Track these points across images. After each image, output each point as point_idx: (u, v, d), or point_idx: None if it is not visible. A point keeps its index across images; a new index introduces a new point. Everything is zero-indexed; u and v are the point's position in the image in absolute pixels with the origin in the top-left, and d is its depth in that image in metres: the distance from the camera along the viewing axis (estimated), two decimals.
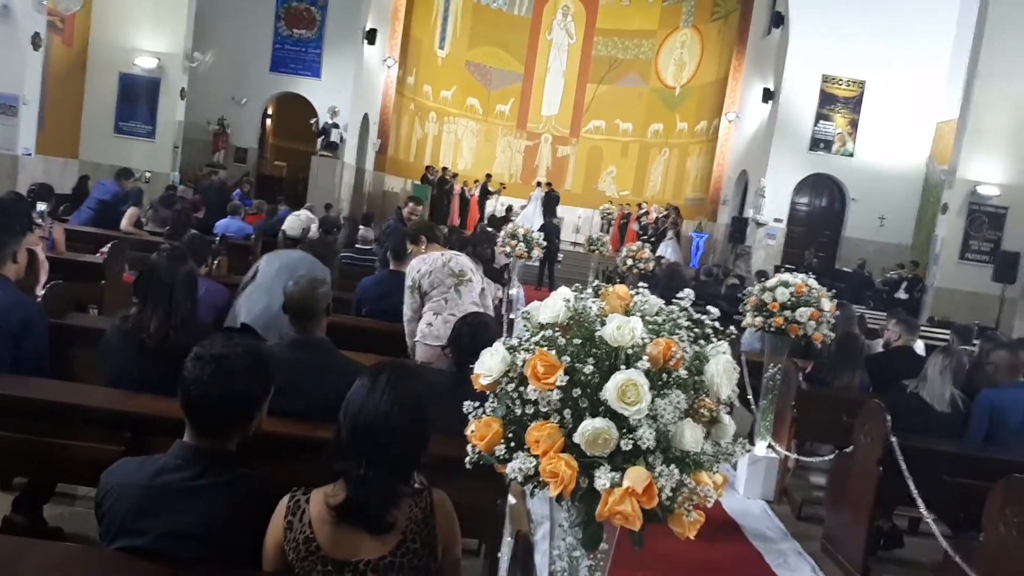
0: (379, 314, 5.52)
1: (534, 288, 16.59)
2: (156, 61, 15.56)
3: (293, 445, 2.90)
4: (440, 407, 2.14)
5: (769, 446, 5.80)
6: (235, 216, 10.08)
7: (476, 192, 23.29)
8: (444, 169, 23.05)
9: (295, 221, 11.09)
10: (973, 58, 14.44)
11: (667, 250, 19.03)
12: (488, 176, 23.80)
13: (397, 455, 2.02)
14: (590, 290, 1.91)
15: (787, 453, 5.76)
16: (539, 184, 22.67)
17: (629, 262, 13.06)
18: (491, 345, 3.42)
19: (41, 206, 6.65)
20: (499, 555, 3.02)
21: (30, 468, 3.25)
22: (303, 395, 3.04)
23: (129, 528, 2.03)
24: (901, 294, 15.03)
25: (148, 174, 13.60)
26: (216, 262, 6.40)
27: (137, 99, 15.68)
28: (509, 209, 21.66)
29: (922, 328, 8.55)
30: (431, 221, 12.89)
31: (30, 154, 12.43)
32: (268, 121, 20.88)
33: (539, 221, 19.26)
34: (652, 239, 19.82)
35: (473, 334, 3.47)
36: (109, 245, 6.70)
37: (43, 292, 4.39)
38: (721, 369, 1.71)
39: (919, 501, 4.19)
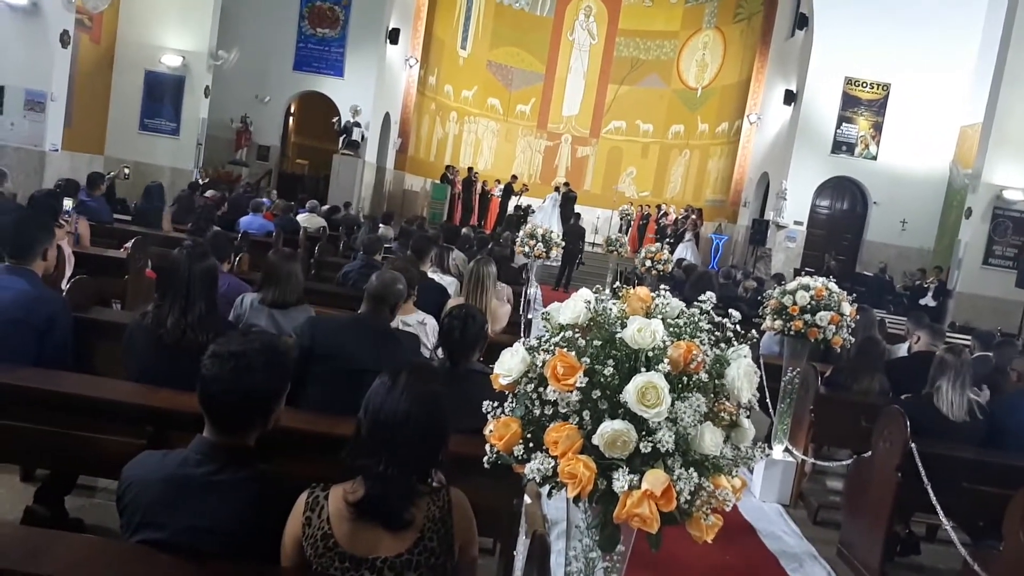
0: None
1: (551, 288, 16.61)
2: (181, 59, 15.72)
3: (313, 441, 2.92)
4: None
5: (786, 450, 5.77)
6: (257, 213, 10.15)
7: (496, 192, 23.28)
8: (470, 169, 23.04)
9: (312, 219, 11.19)
10: (1000, 61, 14.28)
11: (686, 252, 18.97)
12: (514, 177, 23.77)
13: (416, 453, 2.03)
14: (608, 291, 1.91)
15: (804, 457, 5.73)
16: (557, 188, 22.64)
17: (648, 263, 13.02)
18: (481, 335, 3.49)
19: (67, 202, 6.73)
20: (515, 553, 3.03)
21: (53, 460, 3.28)
22: (355, 357, 3.43)
23: (150, 522, 2.05)
24: (928, 300, 14.86)
25: (127, 170, 13.45)
26: (238, 258, 6.46)
27: (162, 96, 15.85)
28: (527, 209, 21.67)
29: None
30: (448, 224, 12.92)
31: (57, 150, 12.59)
32: (291, 119, 21.00)
33: (555, 221, 19.23)
34: (671, 240, 19.76)
35: (463, 327, 3.49)
36: (132, 240, 6.77)
37: (68, 286, 4.44)
38: (742, 373, 1.71)
39: (938, 508, 4.16)
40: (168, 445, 2.55)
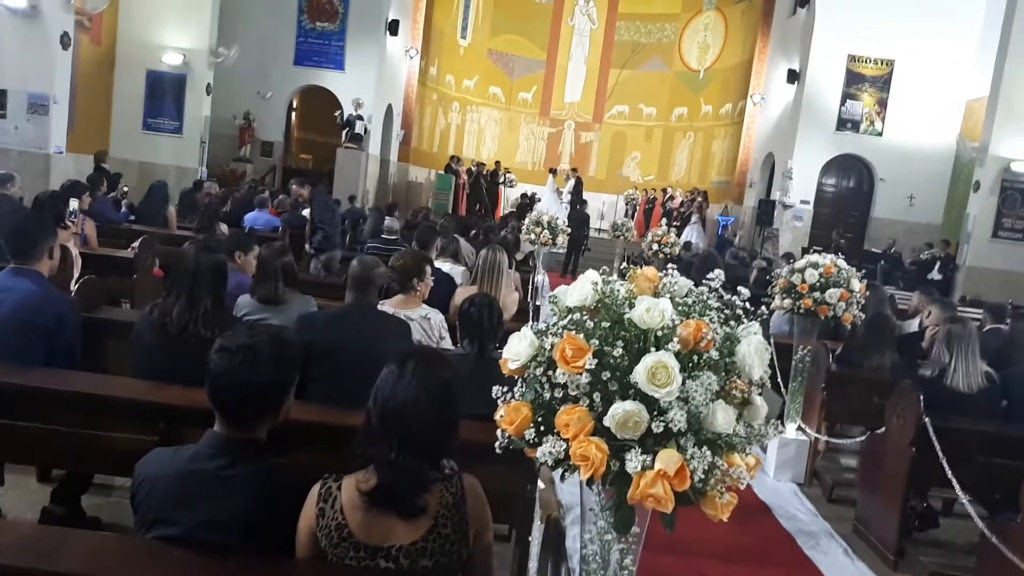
0: None
1: (559, 275, 16.58)
2: (182, 57, 15.71)
3: (323, 433, 2.92)
4: (461, 390, 2.15)
5: (799, 428, 5.76)
6: (263, 209, 10.16)
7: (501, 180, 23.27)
8: (497, 163, 23.24)
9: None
10: (1005, 33, 14.15)
11: (692, 234, 18.90)
12: (497, 163, 23.66)
13: (427, 440, 2.03)
14: (615, 275, 1.89)
15: (817, 435, 5.72)
16: (552, 172, 22.48)
17: (655, 247, 12.98)
18: (501, 322, 3.54)
19: (73, 203, 6.73)
20: (530, 539, 3.03)
21: (66, 459, 3.29)
22: (353, 348, 3.46)
23: (164, 518, 2.05)
24: (935, 274, 14.80)
25: (126, 188, 13.00)
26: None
27: (164, 96, 15.85)
28: (532, 197, 21.60)
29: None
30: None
31: (61, 152, 12.60)
32: (293, 114, 20.98)
33: (556, 207, 19.17)
34: (677, 224, 19.70)
35: (489, 314, 3.59)
36: (140, 240, 6.78)
37: (76, 287, 4.46)
38: (753, 350, 1.69)
39: (954, 482, 4.14)
40: (180, 441, 2.56)
